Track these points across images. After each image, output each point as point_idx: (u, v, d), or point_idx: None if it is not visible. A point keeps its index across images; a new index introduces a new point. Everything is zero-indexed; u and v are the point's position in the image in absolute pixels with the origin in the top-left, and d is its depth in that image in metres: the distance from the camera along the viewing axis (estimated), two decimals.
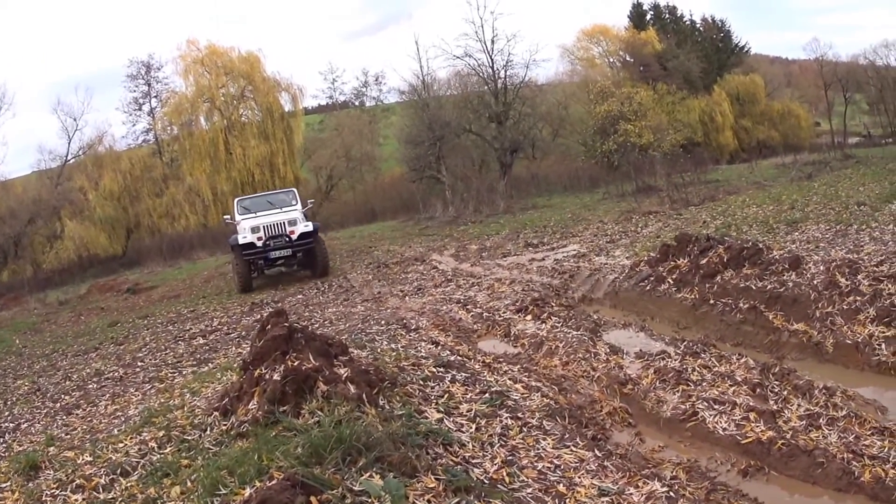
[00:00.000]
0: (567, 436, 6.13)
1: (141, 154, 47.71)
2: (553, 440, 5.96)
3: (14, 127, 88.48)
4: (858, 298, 8.32)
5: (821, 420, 6.06)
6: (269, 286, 20.29)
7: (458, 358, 8.72)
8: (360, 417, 5.33)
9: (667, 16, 62.31)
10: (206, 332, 14.12)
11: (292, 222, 19.89)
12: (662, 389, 7.32)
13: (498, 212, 31.81)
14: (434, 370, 7.74)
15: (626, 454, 6.02)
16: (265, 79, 45.28)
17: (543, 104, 48.04)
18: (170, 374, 10.71)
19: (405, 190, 45.19)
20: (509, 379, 7.88)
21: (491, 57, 44.11)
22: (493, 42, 43.95)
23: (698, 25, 64.31)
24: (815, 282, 9.02)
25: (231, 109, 45.29)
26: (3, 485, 6.04)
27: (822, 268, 9.38)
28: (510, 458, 5.45)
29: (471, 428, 5.97)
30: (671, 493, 5.05)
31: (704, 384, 7.28)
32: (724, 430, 6.22)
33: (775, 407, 6.48)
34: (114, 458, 5.98)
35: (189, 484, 5.00)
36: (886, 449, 5.40)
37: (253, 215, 20.59)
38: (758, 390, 6.90)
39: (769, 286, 9.40)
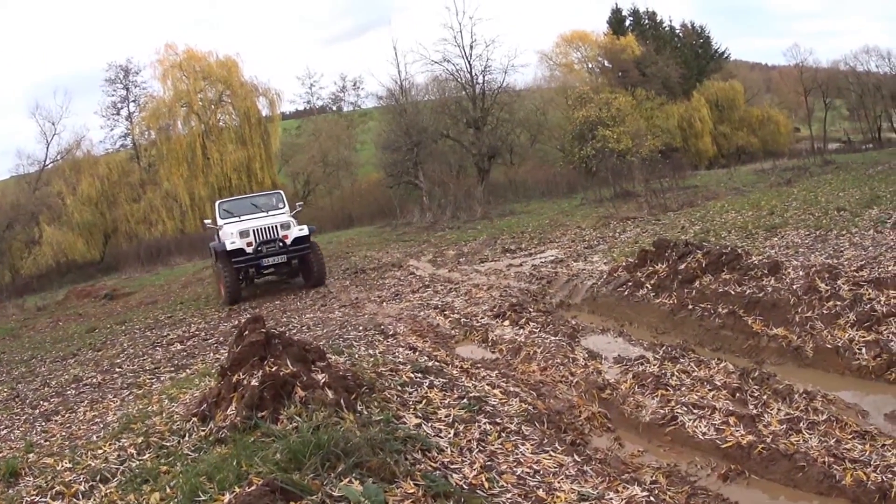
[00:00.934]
0: (546, 441, 6.15)
1: (119, 159, 47.64)
2: (532, 445, 5.96)
3: None
4: (838, 303, 8.39)
5: (801, 424, 6.10)
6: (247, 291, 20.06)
7: (436, 363, 8.71)
8: (338, 423, 5.34)
9: (646, 21, 62.76)
10: (183, 338, 14.09)
11: (285, 226, 18.34)
12: (641, 394, 7.35)
13: (475, 217, 31.87)
14: (412, 376, 7.74)
15: (605, 459, 6.04)
16: (243, 84, 45.51)
17: (521, 110, 48.27)
18: (148, 381, 10.68)
19: (382, 195, 45.28)
20: (487, 384, 7.89)
21: (469, 62, 44.50)
22: (471, 47, 44.35)
23: (677, 31, 64.89)
24: (794, 287, 9.09)
25: (209, 114, 45.50)
26: None
27: (801, 273, 9.48)
28: (489, 463, 5.44)
29: (449, 433, 5.97)
30: (651, 498, 5.08)
31: (683, 389, 7.31)
32: (704, 434, 6.25)
33: (755, 411, 6.53)
34: (93, 464, 5.96)
35: (168, 490, 4.99)
36: (868, 453, 5.45)
37: (237, 219, 19.04)
38: (737, 395, 6.95)
39: (748, 291, 9.46)
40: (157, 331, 15.72)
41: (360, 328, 11.68)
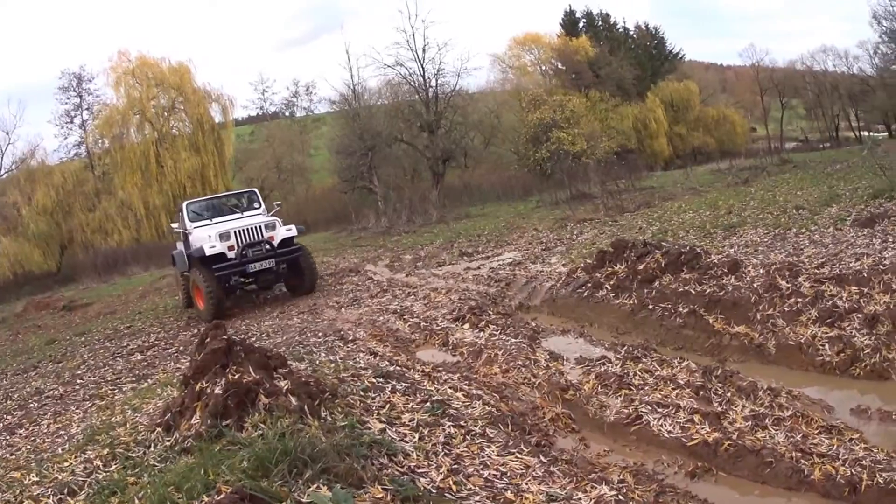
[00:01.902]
0: (511, 443, 6.17)
1: (73, 168, 47.28)
2: (497, 447, 5.99)
3: None
4: (800, 300, 8.55)
5: (766, 420, 6.20)
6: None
7: (398, 368, 8.74)
8: (304, 429, 5.33)
9: (600, 23, 63.45)
10: (143, 348, 13.99)
11: (270, 226, 16.64)
12: (605, 394, 7.43)
13: (431, 221, 31.92)
14: (374, 381, 7.74)
15: (571, 460, 6.08)
16: (196, 90, 45.48)
17: (475, 113, 48.51)
18: (110, 391, 10.59)
19: (337, 201, 45.21)
20: (450, 388, 7.91)
21: (422, 65, 44.56)
22: (424, 51, 44.41)
23: (632, 33, 65.67)
24: (755, 285, 9.24)
25: (162, 121, 45.42)
26: None
27: (762, 271, 9.62)
28: (455, 466, 5.47)
29: (414, 437, 5.99)
30: (620, 497, 5.11)
31: (647, 388, 7.40)
32: (670, 432, 6.33)
33: (720, 409, 6.62)
34: (60, 477, 5.90)
35: (137, 502, 4.95)
36: (835, 447, 5.56)
37: (208, 221, 17.36)
38: (701, 393, 7.04)
39: (708, 290, 9.60)
40: (117, 341, 15.56)
41: (320, 334, 11.66)
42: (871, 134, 55.81)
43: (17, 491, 5.85)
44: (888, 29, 37.92)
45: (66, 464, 6.27)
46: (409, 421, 6.39)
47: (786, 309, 8.53)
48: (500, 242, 20.83)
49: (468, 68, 63.22)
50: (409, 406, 6.88)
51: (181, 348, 13.17)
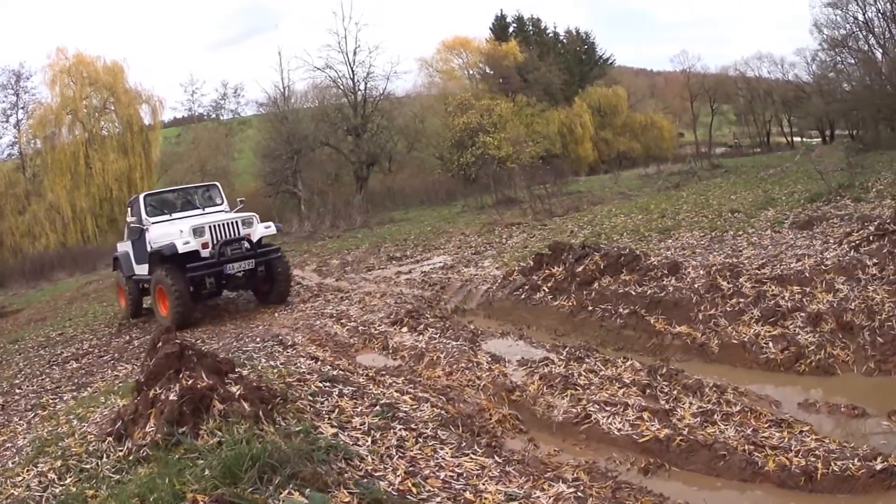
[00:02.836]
0: (464, 444, 6.27)
1: (5, 169, 45.80)
2: (451, 449, 6.08)
3: None
4: (742, 300, 8.84)
5: (715, 416, 6.42)
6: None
7: (342, 372, 8.79)
8: (260, 435, 5.33)
9: (530, 28, 64.28)
10: (78, 356, 13.72)
11: (247, 222, 15.03)
12: (551, 395, 7.56)
13: (355, 226, 32.04)
14: (320, 385, 7.80)
15: (523, 460, 6.17)
16: (127, 90, 44.83)
17: (400, 117, 48.79)
18: (51, 401, 10.31)
19: (260, 205, 44.54)
20: (396, 391, 7.95)
21: (352, 68, 44.86)
22: (355, 53, 44.74)
23: (562, 37, 66.59)
24: (696, 286, 9.51)
25: (93, 122, 44.56)
26: None
27: (702, 272, 9.91)
28: (412, 469, 5.53)
29: (367, 441, 6.03)
30: (579, 494, 5.24)
31: (593, 388, 7.56)
32: (620, 430, 6.49)
33: (667, 406, 6.81)
34: (15, 493, 5.84)
35: None
36: (787, 439, 5.79)
37: (169, 217, 15.71)
38: (647, 391, 7.24)
39: (649, 291, 9.84)
40: (51, 349, 15.23)
41: (258, 339, 11.64)
42: (805, 140, 57.52)
43: None
44: (828, 37, 39.15)
45: (18, 478, 6.21)
46: (361, 425, 6.43)
47: (728, 309, 8.80)
48: (429, 247, 20.98)
49: (397, 72, 63.78)
50: (359, 410, 6.92)
51: (116, 355, 13.00)
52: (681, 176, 32.07)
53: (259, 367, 8.83)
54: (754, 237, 12.67)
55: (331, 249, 24.84)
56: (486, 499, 5.10)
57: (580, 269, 11.08)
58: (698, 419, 6.42)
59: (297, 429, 5.80)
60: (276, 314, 14.29)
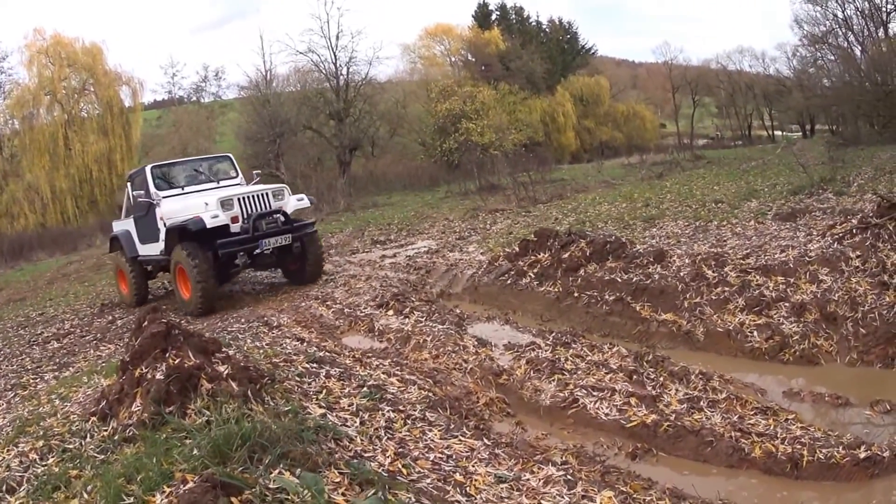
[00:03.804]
0: (452, 426, 6.29)
1: None
2: (439, 431, 6.10)
3: None
4: (727, 289, 8.87)
5: (702, 403, 6.47)
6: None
7: (328, 354, 8.76)
8: (249, 415, 5.30)
9: (513, 16, 64.39)
10: (59, 336, 13.58)
11: (279, 194, 13.92)
12: (538, 379, 7.57)
13: (338, 210, 31.91)
14: (307, 366, 7.78)
15: (511, 443, 6.19)
16: (107, 72, 44.44)
17: (382, 102, 48.65)
18: (32, 381, 10.20)
19: None
20: (383, 373, 7.95)
21: (335, 53, 44.83)
22: (337, 38, 44.72)
23: (545, 27, 66.77)
24: (681, 274, 9.54)
25: (72, 103, 44.20)
26: None
27: (687, 261, 9.94)
28: (401, 450, 5.52)
29: (355, 422, 6.02)
30: (568, 477, 5.27)
31: (580, 373, 7.58)
32: (607, 415, 6.53)
33: (654, 392, 6.85)
34: None
35: (86, 496, 4.85)
36: (772, 426, 5.84)
37: (180, 191, 14.52)
38: (634, 377, 7.26)
39: (635, 279, 9.87)
40: (31, 329, 15.08)
41: (243, 320, 11.60)
42: (786, 133, 57.78)
43: None
44: (809, 33, 39.44)
45: None
46: (349, 406, 6.42)
47: (713, 297, 8.84)
48: (412, 231, 20.96)
49: (380, 57, 63.57)
50: (346, 391, 6.91)
51: (98, 335, 12.88)
52: (664, 166, 32.20)
53: (245, 348, 8.83)
54: (738, 228, 12.73)
55: None
56: (475, 480, 5.11)
57: (566, 255, 11.10)
58: (685, 405, 6.47)
59: (286, 409, 5.77)
60: (261, 295, 14.24)
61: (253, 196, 13.46)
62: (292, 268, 14.92)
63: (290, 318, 11.54)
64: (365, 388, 6.97)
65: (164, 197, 14.08)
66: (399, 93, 51.47)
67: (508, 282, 11.57)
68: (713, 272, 9.31)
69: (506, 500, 4.90)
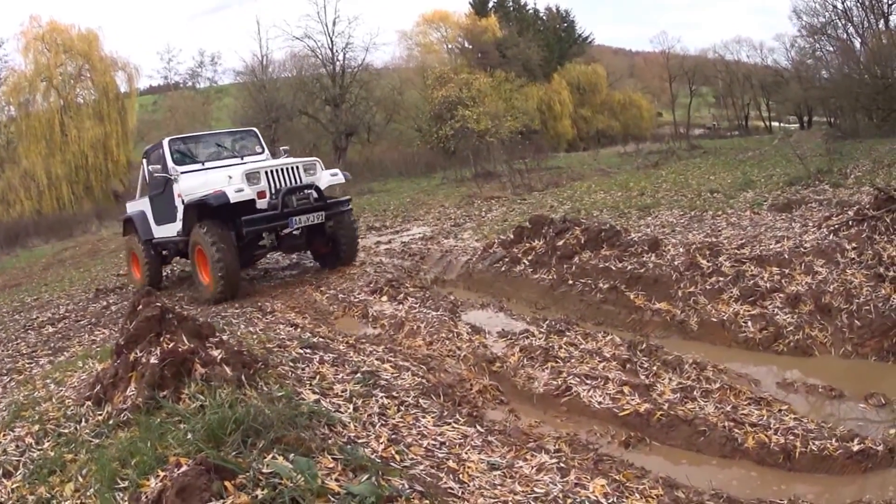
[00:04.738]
0: (446, 413, 6.28)
1: None
2: (433, 418, 6.09)
3: None
4: (721, 279, 8.87)
5: (695, 392, 6.46)
6: (112, 268, 19.22)
7: (322, 339, 8.78)
8: (243, 399, 5.32)
9: (510, 3, 64.13)
10: (54, 321, 13.51)
11: (310, 168, 12.70)
12: (531, 367, 7.57)
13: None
14: (301, 351, 7.80)
15: (504, 430, 6.19)
16: (102, 58, 44.61)
17: (379, 88, 48.82)
18: (27, 365, 10.16)
19: None
20: (376, 359, 7.94)
21: (331, 39, 44.97)
22: (334, 24, 44.87)
23: (542, 14, 66.61)
24: (676, 263, 9.53)
25: (68, 89, 44.39)
26: None
27: (682, 250, 9.94)
28: (394, 436, 5.53)
29: (349, 408, 6.02)
30: (561, 464, 5.27)
31: (573, 361, 7.57)
32: (600, 403, 6.52)
33: (647, 381, 6.84)
34: None
35: (81, 479, 4.90)
36: (766, 417, 5.84)
37: (200, 165, 13.48)
38: (628, 366, 7.26)
39: (629, 267, 9.85)
40: (26, 314, 15.01)
41: (236, 305, 11.57)
42: (783, 124, 57.81)
43: None
44: (807, 24, 39.40)
45: None
46: (342, 392, 6.42)
47: (707, 287, 8.83)
48: (408, 217, 20.96)
49: (376, 43, 63.74)
50: (340, 377, 6.91)
51: (93, 320, 12.83)
52: (660, 155, 32.20)
53: (239, 333, 8.84)
54: (733, 217, 12.73)
55: None
56: (469, 467, 5.12)
57: (561, 242, 11.08)
58: (678, 395, 6.46)
59: (280, 394, 5.77)
60: (255, 281, 14.20)
61: (282, 169, 12.32)
62: (323, 250, 13.92)
63: (283, 303, 11.52)
64: (358, 374, 6.97)
65: (182, 172, 13.10)
66: (395, 79, 51.60)
67: (503, 269, 11.56)
68: (708, 262, 9.30)
69: (499, 486, 4.89)
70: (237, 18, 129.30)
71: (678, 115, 66.50)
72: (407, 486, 4.39)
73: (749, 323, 7.94)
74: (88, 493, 4.73)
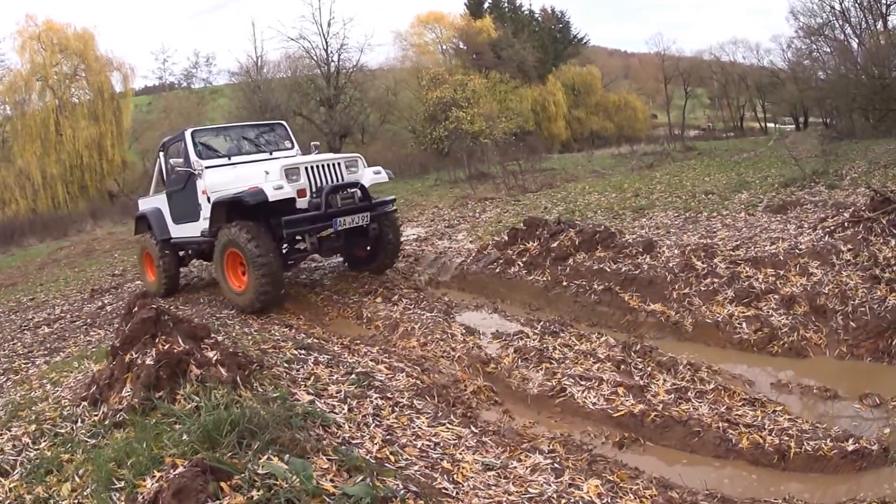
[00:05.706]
0: (440, 414, 6.32)
1: None
2: (427, 419, 6.12)
3: None
4: (716, 280, 8.91)
5: (689, 393, 6.52)
6: (107, 268, 19.17)
7: (316, 340, 8.82)
8: (238, 401, 5.35)
9: (505, 5, 64.12)
10: (50, 321, 13.46)
11: (352, 164, 11.60)
12: (525, 368, 7.62)
13: None
14: (296, 352, 7.83)
15: (499, 431, 6.22)
16: (98, 58, 44.49)
17: (373, 89, 48.91)
18: (23, 365, 10.15)
19: None
20: (371, 360, 7.99)
21: (326, 40, 45.04)
22: (329, 25, 45.02)
23: (537, 15, 66.75)
24: (670, 264, 9.58)
25: (63, 89, 44.21)
26: None
27: (676, 251, 10.00)
28: (389, 437, 5.56)
29: (343, 409, 6.05)
30: (555, 465, 5.31)
31: (567, 362, 7.63)
32: (595, 404, 6.57)
33: (642, 382, 6.90)
34: None
35: (78, 480, 4.93)
36: (760, 418, 5.89)
37: (226, 160, 12.30)
38: (622, 367, 7.32)
39: (624, 268, 9.91)
40: (22, 314, 14.96)
41: (231, 306, 11.49)
42: (779, 126, 57.90)
43: None
44: (805, 24, 39.41)
45: None
46: (337, 393, 6.45)
47: (702, 288, 8.88)
48: (402, 219, 20.78)
49: (371, 44, 63.84)
50: (334, 378, 6.94)
51: (89, 321, 12.76)
52: (654, 156, 32.23)
53: (234, 334, 8.86)
54: (728, 219, 12.74)
55: None
56: (463, 468, 5.14)
57: (555, 244, 11.12)
58: (672, 396, 6.51)
59: (275, 395, 5.81)
60: None
61: (322, 165, 11.20)
62: (361, 254, 12.91)
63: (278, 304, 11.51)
64: (353, 375, 7.00)
65: (207, 167, 11.91)
66: (390, 80, 51.61)
67: (497, 270, 11.58)
68: (702, 263, 9.35)
69: (493, 487, 4.92)
70: (232, 19, 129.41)
71: (673, 116, 66.58)
72: (401, 487, 4.41)
73: (744, 324, 7.99)
74: (85, 493, 4.75)
